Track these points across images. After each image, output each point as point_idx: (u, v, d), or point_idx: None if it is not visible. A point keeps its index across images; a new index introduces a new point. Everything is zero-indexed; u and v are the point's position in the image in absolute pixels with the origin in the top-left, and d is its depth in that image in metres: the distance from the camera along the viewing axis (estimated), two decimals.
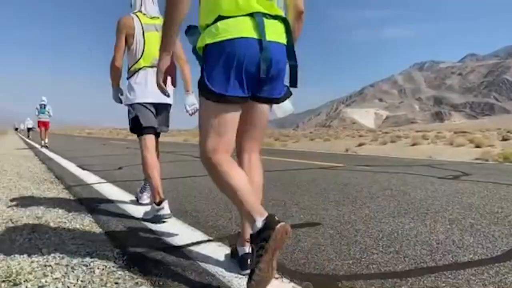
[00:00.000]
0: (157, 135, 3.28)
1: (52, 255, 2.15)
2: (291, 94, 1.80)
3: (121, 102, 3.24)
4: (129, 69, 3.10)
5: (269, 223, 1.43)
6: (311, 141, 25.55)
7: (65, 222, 2.90)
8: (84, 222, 2.91)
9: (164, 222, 2.80)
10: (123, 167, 7.00)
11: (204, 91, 1.61)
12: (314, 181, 5.06)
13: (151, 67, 3.00)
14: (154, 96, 2.99)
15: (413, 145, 17.05)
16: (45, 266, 1.99)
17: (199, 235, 2.52)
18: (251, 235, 1.51)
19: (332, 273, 1.90)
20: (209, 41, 1.57)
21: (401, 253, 2.18)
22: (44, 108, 15.15)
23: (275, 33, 1.60)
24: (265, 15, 1.58)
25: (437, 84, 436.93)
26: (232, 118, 1.66)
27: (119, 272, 1.89)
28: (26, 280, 1.80)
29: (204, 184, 4.72)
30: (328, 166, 7.21)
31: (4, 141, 24.29)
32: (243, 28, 1.54)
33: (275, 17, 1.62)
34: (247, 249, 1.83)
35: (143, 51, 3.04)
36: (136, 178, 5.38)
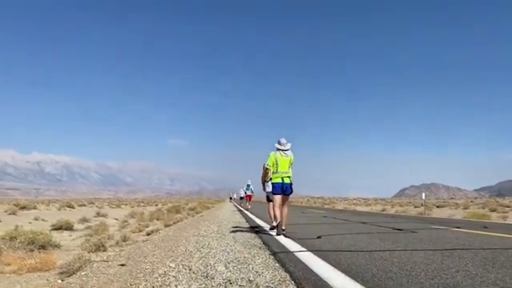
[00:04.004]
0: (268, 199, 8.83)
1: None
2: (292, 192, 7.47)
3: (266, 192, 8.76)
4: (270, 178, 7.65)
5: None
6: None
7: (272, 287, 3.19)
8: None
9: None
10: (322, 236, 7.19)
11: (272, 191, 7.62)
12: None
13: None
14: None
15: None
16: None
17: None
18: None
19: None
20: (272, 181, 7.56)
21: None
22: (249, 187, 25.41)
23: (287, 179, 7.38)
24: (285, 177, 7.37)
25: None
26: (278, 198, 7.37)
27: None
28: None
29: (405, 259, 4.42)
30: None
31: (223, 207, 29.20)
32: (278, 180, 7.37)
33: (287, 176, 7.40)
34: None
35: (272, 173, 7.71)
36: (335, 248, 5.47)
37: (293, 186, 7.50)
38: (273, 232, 7.59)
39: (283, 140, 7.52)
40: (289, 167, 7.46)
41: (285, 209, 7.53)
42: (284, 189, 7.35)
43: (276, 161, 7.40)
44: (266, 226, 9.29)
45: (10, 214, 23.09)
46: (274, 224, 7.58)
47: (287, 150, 7.50)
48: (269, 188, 8.09)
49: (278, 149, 7.48)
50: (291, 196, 7.75)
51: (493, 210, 24.15)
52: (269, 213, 8.53)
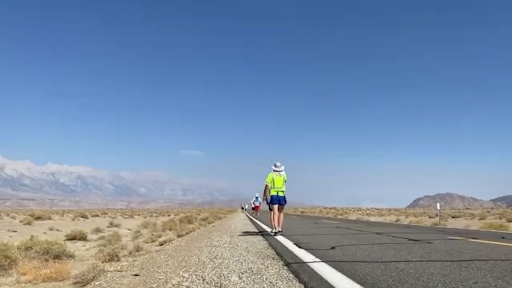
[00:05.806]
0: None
1: None
2: (286, 203, 10.66)
3: (267, 203, 10.84)
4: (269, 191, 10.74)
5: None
6: None
7: None
8: None
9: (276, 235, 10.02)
10: (336, 247, 7.10)
11: (270, 202, 10.52)
12: None
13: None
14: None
15: None
16: None
17: None
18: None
19: None
20: (270, 194, 10.53)
21: None
22: (257, 199, 31.08)
23: (281, 193, 10.48)
24: (279, 191, 10.45)
25: None
26: (276, 207, 10.41)
27: None
28: None
29: (421, 270, 4.34)
30: None
31: (235, 218, 29.13)
32: (274, 193, 10.41)
33: (281, 191, 10.49)
34: None
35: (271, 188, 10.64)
36: (349, 259, 5.40)
37: (286, 199, 10.63)
38: (272, 233, 10.34)
39: (278, 163, 10.52)
40: (283, 184, 10.51)
41: (281, 216, 10.51)
42: (279, 200, 10.39)
43: (273, 179, 10.40)
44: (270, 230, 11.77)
45: (25, 224, 23.44)
46: (274, 228, 10.43)
47: (281, 171, 10.50)
48: (269, 200, 10.56)
49: (274, 170, 10.47)
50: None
51: (510, 221, 23.64)
52: (270, 219, 11.00)
